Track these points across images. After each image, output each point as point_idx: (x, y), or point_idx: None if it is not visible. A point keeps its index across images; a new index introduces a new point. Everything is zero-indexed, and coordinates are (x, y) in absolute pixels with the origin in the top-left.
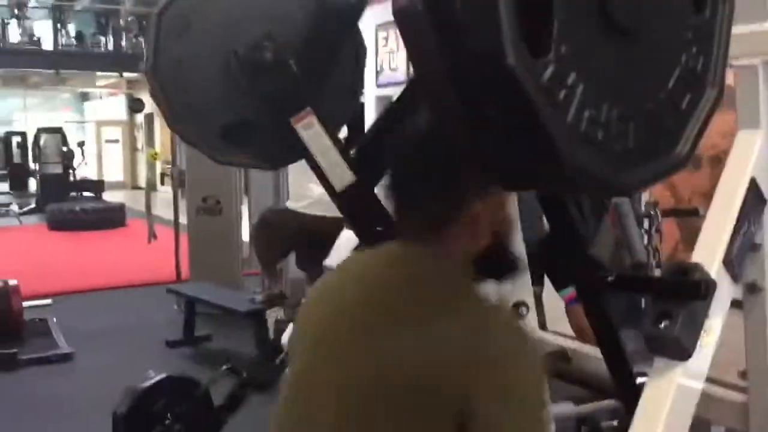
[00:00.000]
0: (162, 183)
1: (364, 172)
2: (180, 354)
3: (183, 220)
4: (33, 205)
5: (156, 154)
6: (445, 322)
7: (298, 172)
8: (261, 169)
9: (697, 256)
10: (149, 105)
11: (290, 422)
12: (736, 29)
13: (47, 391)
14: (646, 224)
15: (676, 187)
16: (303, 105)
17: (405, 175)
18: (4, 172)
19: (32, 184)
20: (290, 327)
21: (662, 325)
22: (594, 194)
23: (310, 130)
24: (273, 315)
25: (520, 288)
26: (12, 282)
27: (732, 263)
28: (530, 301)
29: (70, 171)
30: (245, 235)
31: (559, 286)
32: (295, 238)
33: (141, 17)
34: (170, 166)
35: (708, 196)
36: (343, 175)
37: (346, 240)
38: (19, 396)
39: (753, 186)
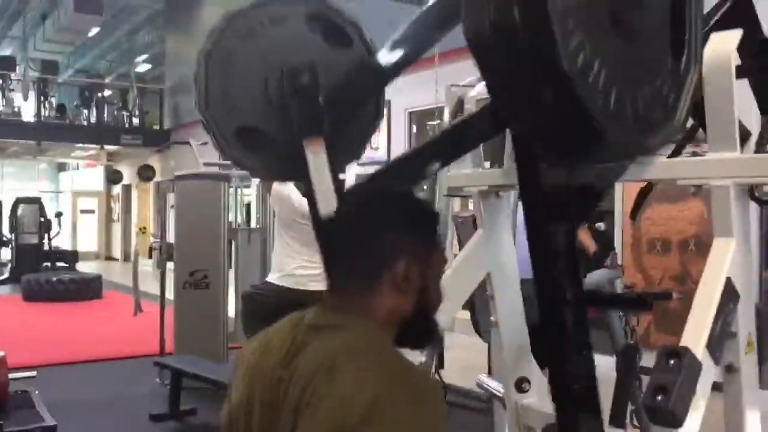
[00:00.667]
0: (150, 256)
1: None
2: (165, 428)
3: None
4: (6, 275)
5: (145, 228)
6: (356, 385)
7: (278, 248)
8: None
9: (685, 341)
10: (127, 176)
11: None
12: (712, 155)
13: None
14: None
15: (648, 270)
16: (318, 133)
17: (334, 235)
18: None
19: (4, 254)
20: None
21: (659, 398)
22: (623, 156)
23: (317, 155)
24: None
25: (523, 363)
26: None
27: (713, 348)
28: (533, 376)
29: (45, 241)
30: (231, 310)
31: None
32: (276, 309)
33: (123, 91)
34: (155, 239)
35: (677, 278)
36: (330, 203)
37: None
38: None
39: (729, 283)
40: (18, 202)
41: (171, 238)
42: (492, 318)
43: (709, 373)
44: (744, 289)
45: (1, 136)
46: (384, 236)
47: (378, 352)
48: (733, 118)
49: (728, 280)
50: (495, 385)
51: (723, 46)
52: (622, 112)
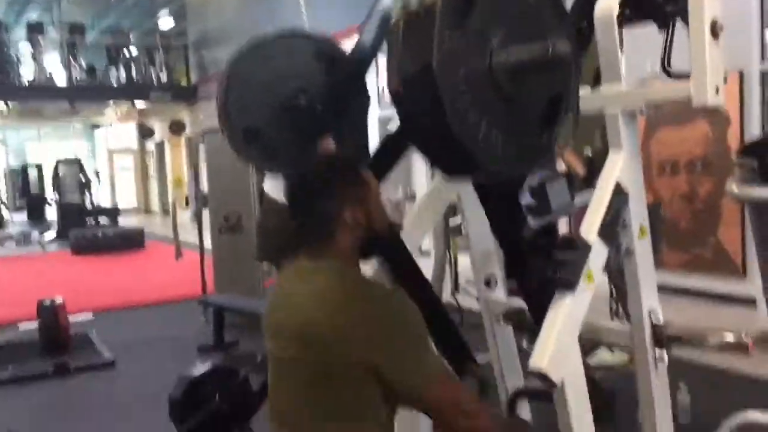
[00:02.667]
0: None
1: None
2: (212, 358)
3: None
4: (53, 233)
5: (180, 179)
6: (345, 307)
7: None
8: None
9: (582, 230)
10: (159, 132)
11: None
12: (605, 89)
13: (96, 393)
14: None
15: (658, 191)
16: (324, 131)
17: (295, 201)
18: (23, 202)
19: (48, 213)
20: None
21: (558, 272)
22: (489, 179)
23: (329, 146)
24: None
25: (490, 262)
26: (58, 299)
27: (604, 234)
28: (498, 274)
29: (88, 199)
30: None
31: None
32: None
33: (148, 49)
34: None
35: (686, 198)
36: None
37: None
38: (70, 399)
39: (618, 186)
40: (59, 163)
41: (205, 187)
42: (463, 230)
43: (601, 253)
44: (633, 189)
45: (37, 100)
46: (326, 201)
47: (339, 284)
48: (617, 59)
49: (617, 183)
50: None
51: (607, 4)
52: (497, 152)
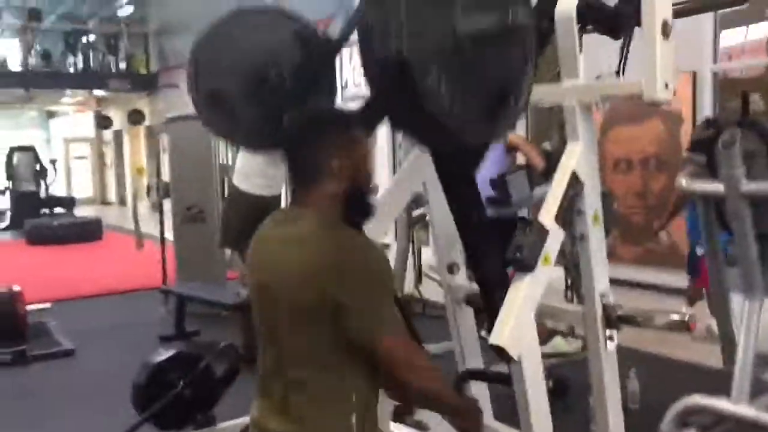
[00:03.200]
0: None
1: None
2: (174, 347)
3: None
4: (7, 222)
5: (142, 168)
6: (316, 248)
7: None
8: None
9: (540, 216)
10: (117, 121)
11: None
12: (564, 83)
13: (55, 382)
14: None
15: (613, 188)
16: (289, 108)
17: (289, 154)
18: None
19: (2, 202)
20: None
21: (517, 254)
22: (452, 143)
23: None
24: None
25: (453, 250)
26: (16, 288)
27: (561, 219)
28: (460, 260)
29: (42, 188)
30: None
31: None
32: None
33: (107, 36)
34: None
35: (640, 194)
36: None
37: None
38: (29, 387)
39: (573, 175)
40: (12, 150)
41: (166, 178)
42: (427, 217)
43: (558, 237)
44: (588, 179)
45: None
46: (316, 146)
47: (320, 231)
48: (576, 56)
49: (573, 172)
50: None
51: (568, 4)
52: (464, 114)
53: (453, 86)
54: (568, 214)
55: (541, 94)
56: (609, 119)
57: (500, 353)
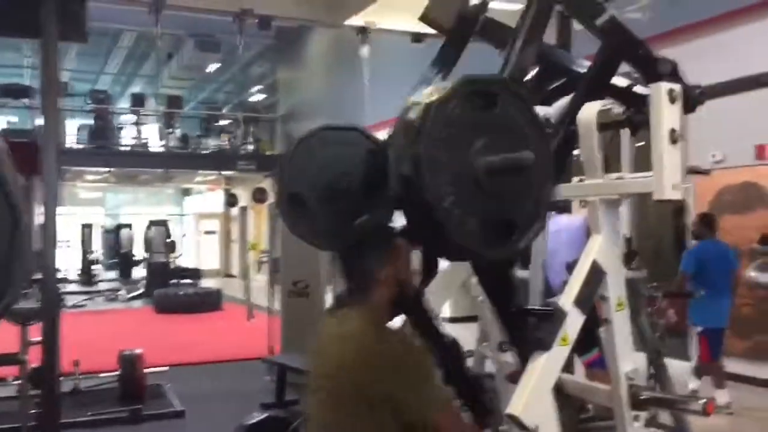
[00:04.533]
0: (258, 270)
1: None
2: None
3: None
4: (141, 290)
5: (255, 244)
6: (370, 347)
7: None
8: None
9: (561, 300)
10: (243, 199)
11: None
12: (586, 181)
13: None
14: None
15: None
16: (358, 212)
17: (346, 261)
18: (115, 260)
19: (135, 272)
20: None
21: (536, 335)
22: (471, 259)
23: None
24: None
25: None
26: (137, 351)
27: (580, 303)
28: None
29: (172, 260)
30: None
31: (581, 352)
32: None
33: (238, 121)
34: (264, 254)
35: (748, 284)
36: None
37: None
38: None
39: (594, 263)
40: (150, 224)
41: (279, 253)
42: (480, 299)
43: (577, 319)
44: (611, 267)
45: (134, 166)
46: (368, 262)
47: (369, 329)
48: (596, 157)
49: (594, 261)
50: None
51: (589, 112)
52: (479, 238)
53: (464, 210)
54: (589, 298)
55: (569, 190)
56: (717, 207)
57: (517, 423)
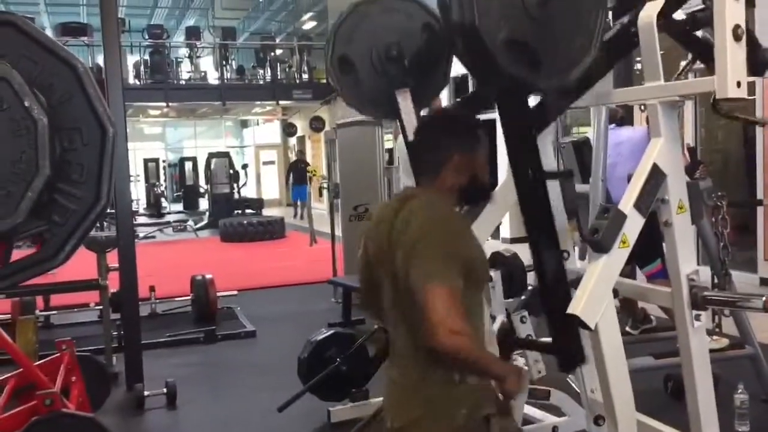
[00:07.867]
0: (320, 196)
1: None
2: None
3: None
4: (206, 221)
5: (315, 171)
6: (423, 212)
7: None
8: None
9: (621, 204)
10: (300, 128)
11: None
12: (646, 84)
13: (239, 358)
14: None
15: None
16: (406, 86)
17: (417, 145)
18: (179, 193)
19: (202, 204)
20: None
21: (594, 236)
22: (523, 90)
23: (405, 101)
24: None
25: (563, 240)
26: (208, 276)
27: (640, 206)
28: (570, 248)
29: (235, 190)
30: None
31: (643, 264)
32: None
33: (293, 51)
34: (324, 180)
35: None
36: (413, 130)
37: None
38: (217, 362)
39: (655, 166)
40: (211, 156)
41: (338, 179)
42: None
43: (637, 222)
44: (671, 170)
45: (192, 99)
46: (442, 143)
47: (434, 206)
48: (657, 59)
49: (655, 164)
50: None
51: (649, 13)
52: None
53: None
54: (648, 201)
55: (628, 94)
56: None
57: (578, 323)
